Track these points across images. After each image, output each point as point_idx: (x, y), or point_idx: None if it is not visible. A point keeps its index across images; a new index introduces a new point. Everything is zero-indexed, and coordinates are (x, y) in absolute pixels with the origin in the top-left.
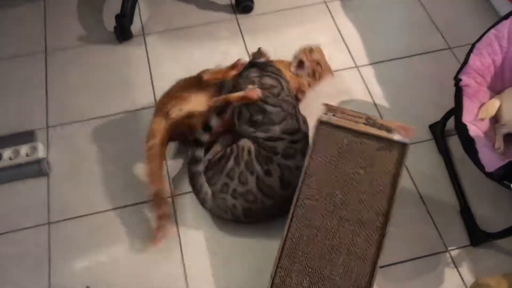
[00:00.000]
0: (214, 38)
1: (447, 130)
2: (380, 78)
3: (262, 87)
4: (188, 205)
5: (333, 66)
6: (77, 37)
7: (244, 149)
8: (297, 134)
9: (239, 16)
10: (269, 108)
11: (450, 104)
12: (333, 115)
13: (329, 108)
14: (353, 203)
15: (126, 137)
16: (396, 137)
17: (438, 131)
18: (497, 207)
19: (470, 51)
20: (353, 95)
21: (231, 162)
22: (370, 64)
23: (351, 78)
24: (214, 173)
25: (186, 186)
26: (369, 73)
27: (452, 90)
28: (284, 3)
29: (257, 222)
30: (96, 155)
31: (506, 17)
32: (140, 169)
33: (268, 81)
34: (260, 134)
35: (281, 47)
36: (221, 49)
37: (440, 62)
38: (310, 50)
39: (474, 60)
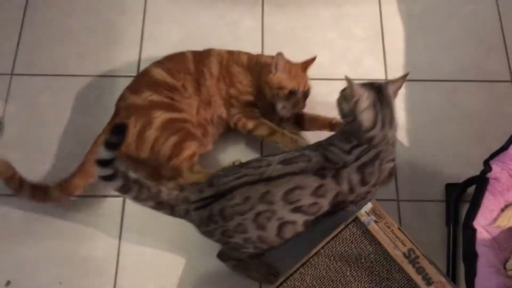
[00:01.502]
0: (229, 1)
1: (468, 194)
2: (410, 101)
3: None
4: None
5: (357, 72)
6: None
7: None
8: None
9: None
10: None
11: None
12: (375, 221)
13: (375, 211)
14: None
15: (94, 107)
16: None
17: (454, 196)
18: None
19: None
20: None
21: None
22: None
23: None
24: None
25: None
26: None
27: (495, 145)
28: None
29: None
30: (56, 123)
31: None
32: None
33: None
34: None
35: (306, 29)
36: (233, 17)
37: (494, 97)
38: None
39: None
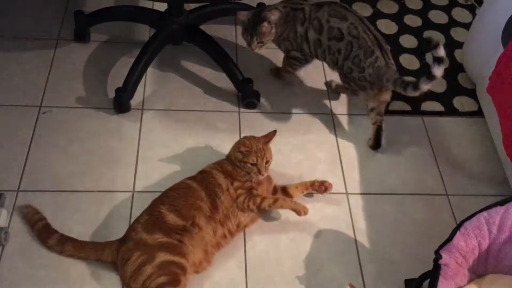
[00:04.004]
0: (211, 127)
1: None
2: (367, 212)
3: None
4: None
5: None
6: (75, 97)
7: None
8: None
9: (241, 110)
10: None
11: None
12: None
13: None
14: None
15: (96, 220)
16: None
17: None
18: None
19: (457, 228)
20: (335, 224)
21: None
22: (361, 193)
23: (338, 205)
24: None
25: None
26: (357, 203)
27: (438, 244)
28: (289, 106)
29: None
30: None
31: (501, 203)
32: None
33: None
34: None
35: (277, 152)
36: (216, 141)
37: (434, 207)
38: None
39: (459, 240)
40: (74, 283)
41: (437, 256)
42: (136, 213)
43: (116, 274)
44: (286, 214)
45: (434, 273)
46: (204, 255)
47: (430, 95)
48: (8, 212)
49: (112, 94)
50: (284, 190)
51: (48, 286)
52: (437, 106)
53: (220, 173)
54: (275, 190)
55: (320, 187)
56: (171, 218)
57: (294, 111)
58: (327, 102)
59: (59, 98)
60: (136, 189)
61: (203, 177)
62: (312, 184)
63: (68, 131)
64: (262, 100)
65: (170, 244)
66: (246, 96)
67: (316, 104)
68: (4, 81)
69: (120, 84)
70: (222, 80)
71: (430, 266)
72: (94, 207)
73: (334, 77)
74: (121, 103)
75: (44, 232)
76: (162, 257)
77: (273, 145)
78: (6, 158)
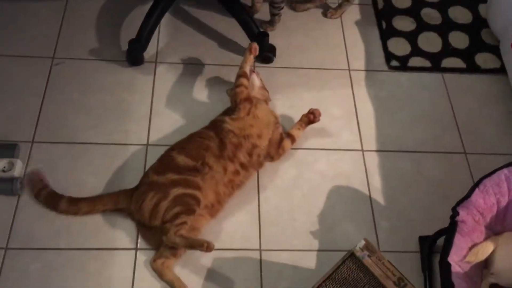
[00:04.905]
0: (225, 81)
1: (438, 246)
2: (383, 169)
3: None
4: None
5: (338, 144)
6: (88, 49)
7: None
8: None
9: (257, 64)
10: None
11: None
12: (368, 256)
13: (368, 247)
14: None
15: (109, 172)
16: None
17: (426, 246)
18: None
19: (476, 185)
20: (350, 181)
21: None
22: (377, 150)
23: (354, 162)
24: None
25: None
26: (373, 160)
27: (454, 202)
28: (306, 61)
29: None
30: (73, 185)
31: None
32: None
33: None
34: None
35: (290, 108)
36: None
37: (451, 166)
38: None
39: (477, 197)
40: (90, 232)
41: (454, 213)
42: (150, 165)
43: (130, 220)
44: (300, 169)
45: (450, 230)
46: (216, 197)
47: (452, 51)
48: (23, 163)
49: (125, 47)
50: (288, 135)
51: (63, 235)
52: (458, 63)
53: (224, 116)
54: (281, 138)
55: (309, 116)
56: (182, 159)
57: (310, 66)
58: (344, 57)
59: (71, 50)
60: (150, 142)
61: (211, 122)
62: (301, 119)
63: (81, 84)
64: (278, 54)
65: (182, 180)
66: (262, 50)
67: (333, 60)
68: (17, 32)
69: (134, 36)
70: (237, 34)
71: (445, 224)
72: (108, 160)
73: None
74: (134, 56)
75: (51, 199)
76: (175, 191)
77: (287, 100)
78: (20, 109)
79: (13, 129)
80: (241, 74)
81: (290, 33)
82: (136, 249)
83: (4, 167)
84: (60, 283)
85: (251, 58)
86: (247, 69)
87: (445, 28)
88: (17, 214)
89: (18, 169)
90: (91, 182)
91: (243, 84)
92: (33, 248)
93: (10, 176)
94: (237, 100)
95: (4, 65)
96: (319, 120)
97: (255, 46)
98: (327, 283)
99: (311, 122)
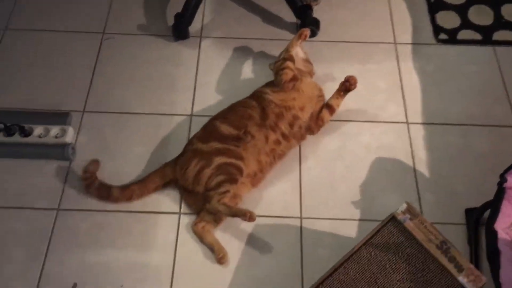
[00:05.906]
0: (268, 56)
1: (484, 218)
2: (428, 142)
3: None
4: None
5: (382, 116)
6: (137, 25)
7: None
8: None
9: None
10: None
11: None
12: (410, 219)
13: (410, 210)
14: None
15: (155, 141)
16: (463, 279)
17: (473, 219)
18: None
19: None
20: (394, 153)
21: None
22: (423, 123)
23: (398, 134)
24: None
25: None
26: (418, 133)
27: None
28: (350, 35)
29: None
30: (119, 152)
31: None
32: None
33: None
34: None
35: (333, 81)
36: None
37: (502, 140)
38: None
39: None
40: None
41: (502, 179)
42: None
43: (174, 187)
44: (343, 141)
45: (497, 197)
46: (258, 165)
47: (504, 24)
48: (74, 130)
49: (171, 22)
50: (326, 105)
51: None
52: (511, 36)
53: (266, 88)
54: (320, 110)
55: (345, 84)
56: (225, 128)
57: (355, 40)
58: (390, 31)
59: (120, 25)
60: (194, 113)
61: (253, 93)
62: (338, 87)
63: (129, 57)
64: (322, 28)
65: (225, 149)
66: (305, 24)
67: (378, 34)
68: (69, 8)
69: (180, 11)
70: (281, 9)
71: (493, 197)
72: (153, 129)
73: None
74: (179, 30)
75: (103, 190)
76: (218, 160)
77: (330, 74)
78: (72, 81)
79: (66, 99)
80: (287, 58)
81: (335, 7)
82: (179, 213)
83: (57, 133)
84: (107, 242)
85: (298, 44)
86: (294, 53)
87: (497, 0)
88: (69, 177)
89: (70, 136)
90: (137, 151)
91: (289, 66)
92: (83, 210)
93: (62, 142)
94: (281, 81)
95: (58, 40)
96: (355, 87)
97: (306, 33)
98: (368, 247)
99: (348, 90)
